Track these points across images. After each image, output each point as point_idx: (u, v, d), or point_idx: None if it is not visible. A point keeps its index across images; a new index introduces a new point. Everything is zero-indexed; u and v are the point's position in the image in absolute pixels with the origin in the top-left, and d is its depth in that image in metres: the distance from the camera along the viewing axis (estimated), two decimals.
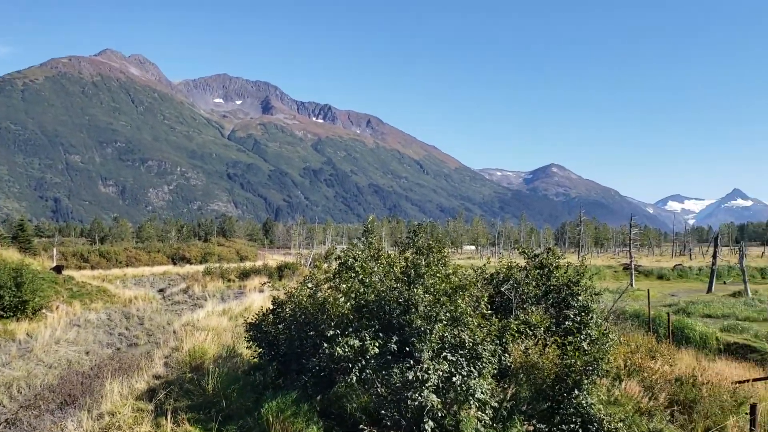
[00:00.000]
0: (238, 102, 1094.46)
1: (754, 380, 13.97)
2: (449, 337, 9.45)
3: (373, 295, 10.04)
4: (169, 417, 10.03)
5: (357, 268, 10.90)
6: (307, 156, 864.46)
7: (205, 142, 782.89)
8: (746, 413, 8.74)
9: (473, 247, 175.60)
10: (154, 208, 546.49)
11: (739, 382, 13.61)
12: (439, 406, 9.02)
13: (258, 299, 27.79)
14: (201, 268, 51.19)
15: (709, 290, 45.54)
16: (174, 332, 20.66)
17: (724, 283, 53.84)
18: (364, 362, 9.48)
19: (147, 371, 13.69)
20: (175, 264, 67.35)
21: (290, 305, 11.76)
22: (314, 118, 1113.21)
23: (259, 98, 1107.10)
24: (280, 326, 11.81)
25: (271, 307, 12.37)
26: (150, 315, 26.69)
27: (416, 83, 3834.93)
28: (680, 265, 70.72)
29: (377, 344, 9.31)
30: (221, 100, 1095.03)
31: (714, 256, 51.24)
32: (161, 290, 39.97)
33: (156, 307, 29.80)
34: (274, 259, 71.75)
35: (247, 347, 12.68)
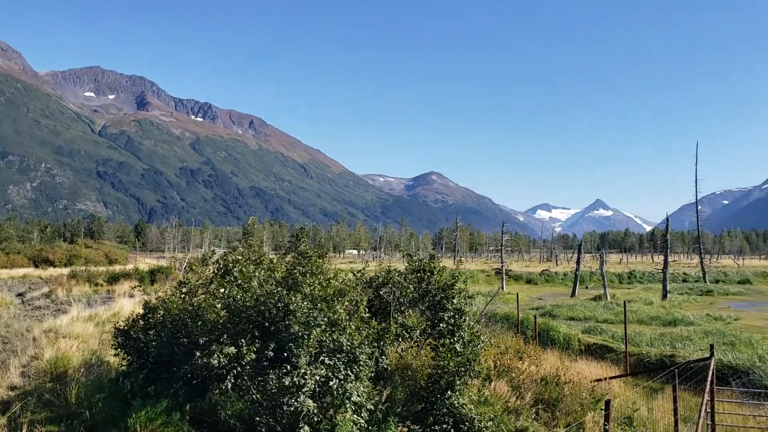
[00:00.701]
0: (111, 96, 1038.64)
1: (611, 378, 15.04)
2: (328, 341, 9.44)
3: (251, 301, 9.85)
4: (24, 431, 9.32)
5: (235, 273, 10.67)
6: (185, 155, 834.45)
7: (73, 138, 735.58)
8: (602, 409, 9.40)
9: (356, 252, 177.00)
10: (14, 206, 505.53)
11: (598, 380, 14.58)
12: (315, 411, 8.99)
13: (128, 305, 26.48)
14: (66, 271, 47.98)
15: (573, 294, 48.49)
16: (34, 339, 19.17)
17: (586, 287, 57.60)
18: (239, 369, 9.26)
19: (1, 382, 12.64)
20: (37, 267, 62.62)
21: (162, 311, 11.32)
22: (193, 116, 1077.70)
23: (133, 93, 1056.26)
24: (150, 332, 11.32)
25: (142, 312, 11.85)
26: (7, 321, 24.63)
27: (301, 86, 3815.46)
28: (547, 270, 74.94)
29: (254, 350, 9.13)
30: (92, 94, 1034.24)
31: (577, 262, 54.64)
32: (20, 294, 37.01)
33: (14, 312, 27.53)
34: (146, 262, 68.60)
35: (114, 355, 12.05)
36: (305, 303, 9.42)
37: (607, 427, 7.03)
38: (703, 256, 75.17)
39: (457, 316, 13.03)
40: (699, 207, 75.27)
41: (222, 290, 10.30)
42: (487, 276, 67.46)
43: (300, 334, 9.14)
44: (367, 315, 11.32)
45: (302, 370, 8.98)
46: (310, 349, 9.29)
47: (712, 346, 12.65)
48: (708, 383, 11.41)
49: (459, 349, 11.43)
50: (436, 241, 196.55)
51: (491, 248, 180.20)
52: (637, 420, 11.69)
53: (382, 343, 11.05)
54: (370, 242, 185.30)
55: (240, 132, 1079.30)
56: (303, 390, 8.86)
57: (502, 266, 62.36)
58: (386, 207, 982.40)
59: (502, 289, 53.69)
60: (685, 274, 73.08)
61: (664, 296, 45.06)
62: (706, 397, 11.06)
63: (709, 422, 11.58)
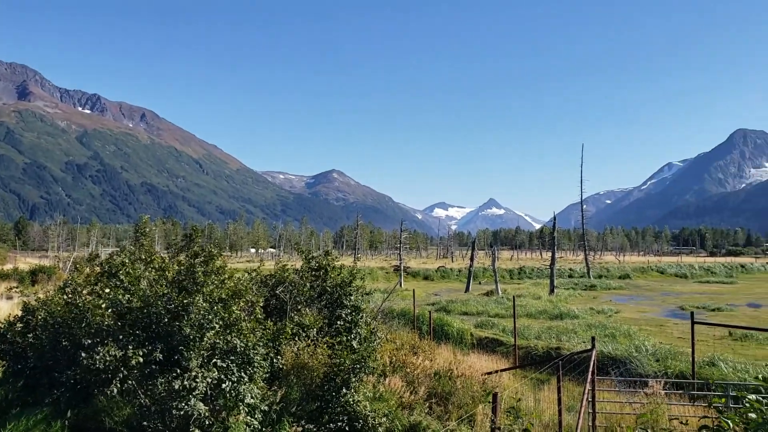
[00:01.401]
0: None
1: (501, 371, 15.59)
2: (221, 343, 9.23)
3: (139, 302, 9.47)
4: None
5: (122, 275, 10.23)
6: (71, 149, 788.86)
7: None
8: (490, 402, 9.74)
9: (254, 250, 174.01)
10: None
11: (488, 373, 15.08)
12: (207, 414, 8.77)
13: (5, 307, 24.75)
14: None
15: (467, 290, 49.97)
16: None
17: (479, 283, 59.49)
18: (126, 372, 8.89)
19: None
20: None
21: (43, 312, 10.68)
22: (80, 108, 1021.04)
23: (14, 82, 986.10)
24: (29, 336, 10.66)
25: (20, 314, 11.12)
26: None
27: (197, 79, 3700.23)
28: (443, 266, 76.78)
29: (141, 353, 8.78)
30: None
31: (471, 259, 56.34)
32: None
33: None
34: (27, 262, 64.37)
35: None
36: (205, 304, 9.18)
37: (494, 420, 7.28)
38: (587, 252, 79.53)
39: (354, 314, 13.12)
40: (584, 206, 79.49)
41: (107, 291, 9.85)
42: (386, 273, 68.24)
43: (192, 336, 8.88)
44: (263, 315, 11.17)
45: (193, 373, 8.73)
46: (203, 351, 9.05)
47: (593, 339, 13.35)
48: (589, 374, 12.05)
49: (355, 346, 11.51)
50: (337, 240, 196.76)
51: (391, 246, 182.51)
52: (525, 410, 12.19)
53: (277, 344, 10.94)
54: (269, 241, 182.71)
55: (131, 125, 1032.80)
56: (194, 393, 8.62)
57: (400, 263, 63.32)
58: (287, 205, 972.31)
59: (400, 285, 54.51)
60: (571, 269, 76.89)
61: (552, 291, 47.31)
62: (588, 386, 11.69)
63: (590, 410, 12.24)
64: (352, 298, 13.12)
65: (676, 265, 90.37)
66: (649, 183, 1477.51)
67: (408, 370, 13.44)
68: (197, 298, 9.16)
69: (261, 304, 11.36)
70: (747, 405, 4.23)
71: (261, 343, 9.91)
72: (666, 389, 13.94)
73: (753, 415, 4.11)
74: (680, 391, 14.28)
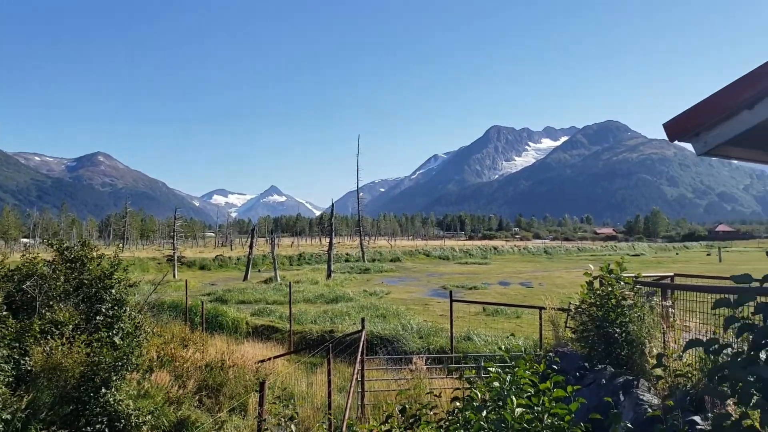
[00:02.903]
0: None
1: (275, 357, 15.60)
2: None
3: None
4: None
5: None
6: None
7: None
8: (256, 390, 9.70)
9: (2, 242, 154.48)
10: None
11: (262, 361, 15.02)
12: None
13: None
14: None
15: (245, 278, 49.34)
16: None
17: (259, 271, 59.10)
18: None
19: None
20: None
21: None
22: None
23: None
24: None
25: None
26: None
27: None
28: (221, 255, 74.95)
29: None
30: None
31: (250, 247, 55.72)
32: None
33: None
34: None
35: None
36: None
37: (260, 410, 7.23)
38: (362, 238, 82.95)
39: (116, 308, 12.22)
40: (360, 194, 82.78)
41: None
42: (159, 263, 64.79)
43: None
44: (6, 313, 9.97)
45: None
46: None
47: (363, 320, 13.90)
48: (359, 354, 12.54)
49: (118, 343, 10.75)
50: (103, 228, 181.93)
51: (164, 235, 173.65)
52: (297, 395, 12.35)
53: (23, 343, 9.83)
54: (22, 230, 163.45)
55: None
56: None
57: (174, 253, 60.57)
58: (43, 190, 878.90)
59: (174, 276, 52.22)
60: (347, 254, 79.57)
61: (329, 275, 48.57)
62: (357, 366, 12.16)
63: (359, 390, 12.75)
64: (113, 291, 12.18)
65: (440, 248, 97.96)
66: (418, 173, 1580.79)
67: (177, 363, 12.90)
68: None
69: (2, 300, 10.10)
70: (491, 375, 4.67)
71: (2, 344, 8.81)
72: (428, 364, 15.00)
73: (496, 384, 4.54)
74: (440, 365, 15.47)
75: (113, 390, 9.68)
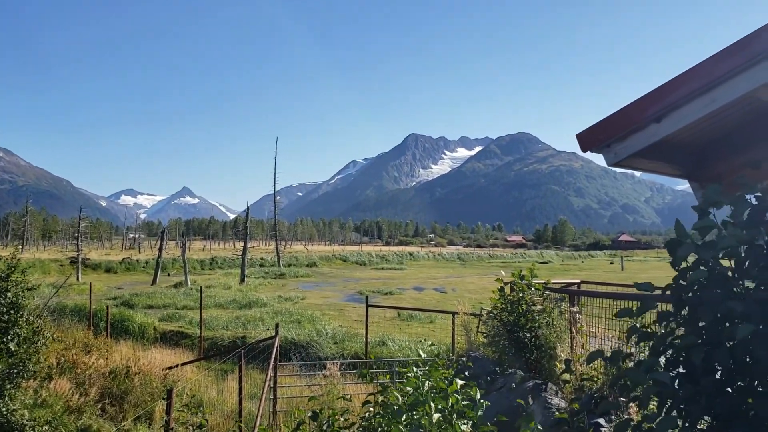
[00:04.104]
0: None
1: (183, 364, 15.15)
2: None
3: None
4: None
5: None
6: None
7: None
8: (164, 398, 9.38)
9: None
10: None
11: (170, 367, 14.53)
12: None
13: None
14: None
15: (154, 282, 47.71)
16: None
17: (168, 274, 57.25)
18: None
19: None
20: None
21: None
22: None
23: None
24: None
25: None
26: None
27: None
28: (129, 258, 72.15)
29: None
30: None
31: (160, 250, 53.96)
32: None
33: None
34: None
35: None
36: None
37: (168, 419, 6.98)
38: (278, 242, 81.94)
39: (12, 312, 11.50)
40: (277, 198, 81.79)
41: None
42: (61, 265, 61.65)
43: None
44: None
45: None
46: None
47: (277, 325, 13.72)
48: (272, 360, 12.36)
49: (13, 349, 10.12)
50: (0, 228, 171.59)
51: (68, 236, 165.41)
52: (207, 402, 12.02)
53: None
54: None
55: None
56: None
57: (78, 254, 57.78)
58: None
59: (78, 279, 49.91)
60: (262, 259, 78.43)
61: (242, 280, 47.71)
62: (270, 372, 11.97)
63: (271, 396, 12.56)
64: (9, 294, 11.46)
65: (357, 253, 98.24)
66: (336, 178, 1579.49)
67: (79, 370, 12.29)
68: None
69: None
70: (407, 380, 4.70)
71: None
72: (342, 370, 14.96)
73: (410, 389, 4.58)
74: (355, 371, 15.46)
75: (6, 399, 9.12)
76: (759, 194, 2.39)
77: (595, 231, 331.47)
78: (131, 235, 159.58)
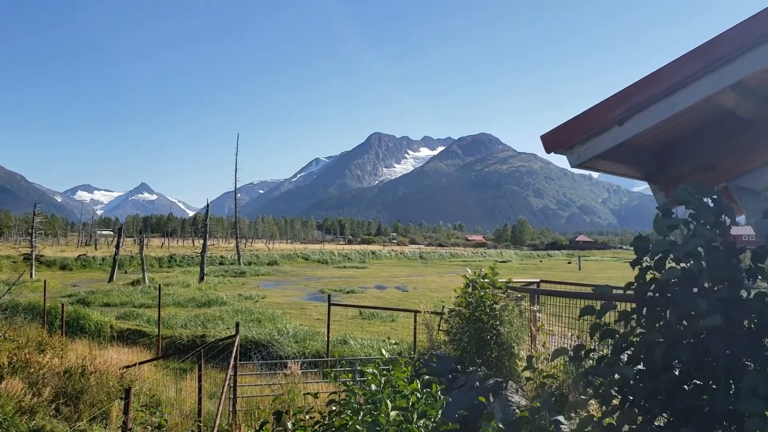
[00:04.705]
0: None
1: (141, 363, 14.87)
2: None
3: None
4: None
5: None
6: None
7: None
8: (121, 398, 9.20)
9: None
10: None
11: (127, 366, 14.26)
12: None
13: None
14: None
15: (111, 279, 46.77)
16: None
17: (125, 272, 56.17)
18: None
19: None
20: None
21: None
22: None
23: None
24: None
25: None
26: None
27: None
28: (85, 255, 70.54)
29: None
30: None
31: (117, 247, 52.90)
32: None
33: None
34: None
35: None
36: None
37: (126, 417, 6.85)
38: (239, 240, 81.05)
39: None
40: (238, 195, 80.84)
41: None
42: (14, 262, 59.94)
43: None
44: None
45: None
46: None
47: (237, 324, 13.57)
48: (232, 359, 12.22)
49: None
50: None
51: (22, 232, 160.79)
52: (165, 402, 11.84)
53: None
54: None
55: None
56: None
57: (32, 251, 56.26)
58: None
59: (31, 276, 48.62)
60: (222, 257, 77.53)
61: (202, 278, 47.06)
62: (230, 372, 11.84)
63: (231, 396, 12.42)
64: None
65: (319, 252, 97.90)
66: (299, 176, 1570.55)
67: (32, 370, 11.96)
68: None
69: None
70: (368, 378, 4.71)
71: None
72: (303, 369, 14.88)
73: (373, 387, 4.59)
74: (316, 369, 15.40)
75: None
76: (715, 197, 2.46)
77: (553, 231, 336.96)
78: (98, 231, 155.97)
